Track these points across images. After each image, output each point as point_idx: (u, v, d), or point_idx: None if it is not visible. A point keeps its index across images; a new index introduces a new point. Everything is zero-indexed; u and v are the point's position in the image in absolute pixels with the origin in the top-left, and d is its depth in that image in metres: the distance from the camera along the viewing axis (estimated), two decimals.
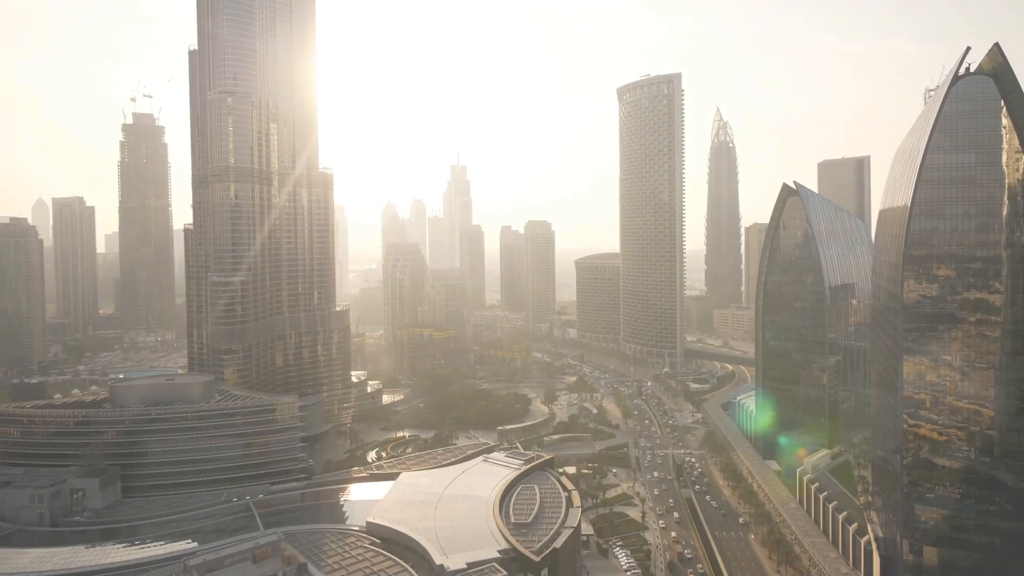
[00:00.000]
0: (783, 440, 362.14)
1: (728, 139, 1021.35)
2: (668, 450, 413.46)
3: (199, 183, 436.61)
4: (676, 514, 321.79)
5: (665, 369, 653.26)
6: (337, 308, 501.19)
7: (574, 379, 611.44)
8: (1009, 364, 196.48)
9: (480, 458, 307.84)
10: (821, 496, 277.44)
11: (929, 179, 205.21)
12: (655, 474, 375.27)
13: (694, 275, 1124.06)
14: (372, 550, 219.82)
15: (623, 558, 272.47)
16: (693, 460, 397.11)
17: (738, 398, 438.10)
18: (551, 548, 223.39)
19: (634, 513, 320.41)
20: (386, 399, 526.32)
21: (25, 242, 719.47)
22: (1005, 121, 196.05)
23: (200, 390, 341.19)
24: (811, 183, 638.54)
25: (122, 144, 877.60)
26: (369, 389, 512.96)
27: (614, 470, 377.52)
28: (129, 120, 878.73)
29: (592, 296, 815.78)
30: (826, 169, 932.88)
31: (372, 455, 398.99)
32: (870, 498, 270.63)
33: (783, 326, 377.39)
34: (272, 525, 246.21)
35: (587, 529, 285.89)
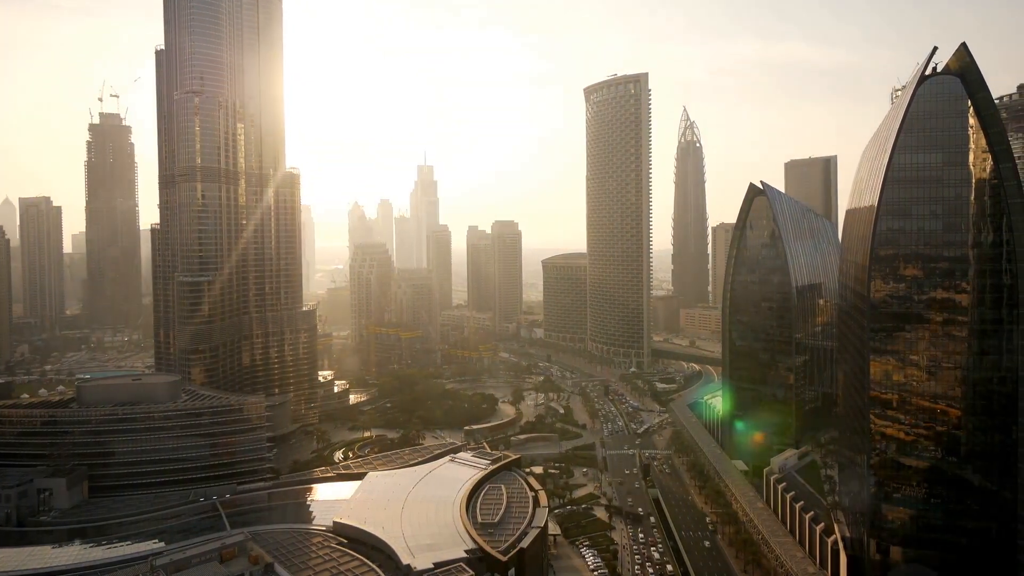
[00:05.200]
0: (750, 440, 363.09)
1: (695, 139, 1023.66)
2: (635, 450, 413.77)
3: (166, 183, 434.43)
4: (640, 510, 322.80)
5: (632, 369, 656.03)
6: (304, 308, 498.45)
7: (541, 379, 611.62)
8: (976, 364, 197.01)
9: (447, 458, 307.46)
10: (788, 496, 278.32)
11: (896, 179, 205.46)
12: (625, 472, 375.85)
13: (661, 275, 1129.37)
14: (339, 550, 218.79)
15: (590, 558, 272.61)
16: (661, 459, 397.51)
17: (705, 398, 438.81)
18: (518, 548, 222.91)
19: (601, 513, 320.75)
20: (353, 399, 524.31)
21: None
22: (972, 121, 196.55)
23: (167, 390, 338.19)
24: (778, 183, 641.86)
25: (89, 144, 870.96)
26: (336, 389, 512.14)
27: (585, 470, 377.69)
28: (96, 120, 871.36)
29: (559, 296, 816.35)
30: (793, 169, 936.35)
31: (339, 455, 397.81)
32: (837, 498, 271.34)
33: (750, 326, 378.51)
34: (239, 525, 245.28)
35: (554, 529, 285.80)
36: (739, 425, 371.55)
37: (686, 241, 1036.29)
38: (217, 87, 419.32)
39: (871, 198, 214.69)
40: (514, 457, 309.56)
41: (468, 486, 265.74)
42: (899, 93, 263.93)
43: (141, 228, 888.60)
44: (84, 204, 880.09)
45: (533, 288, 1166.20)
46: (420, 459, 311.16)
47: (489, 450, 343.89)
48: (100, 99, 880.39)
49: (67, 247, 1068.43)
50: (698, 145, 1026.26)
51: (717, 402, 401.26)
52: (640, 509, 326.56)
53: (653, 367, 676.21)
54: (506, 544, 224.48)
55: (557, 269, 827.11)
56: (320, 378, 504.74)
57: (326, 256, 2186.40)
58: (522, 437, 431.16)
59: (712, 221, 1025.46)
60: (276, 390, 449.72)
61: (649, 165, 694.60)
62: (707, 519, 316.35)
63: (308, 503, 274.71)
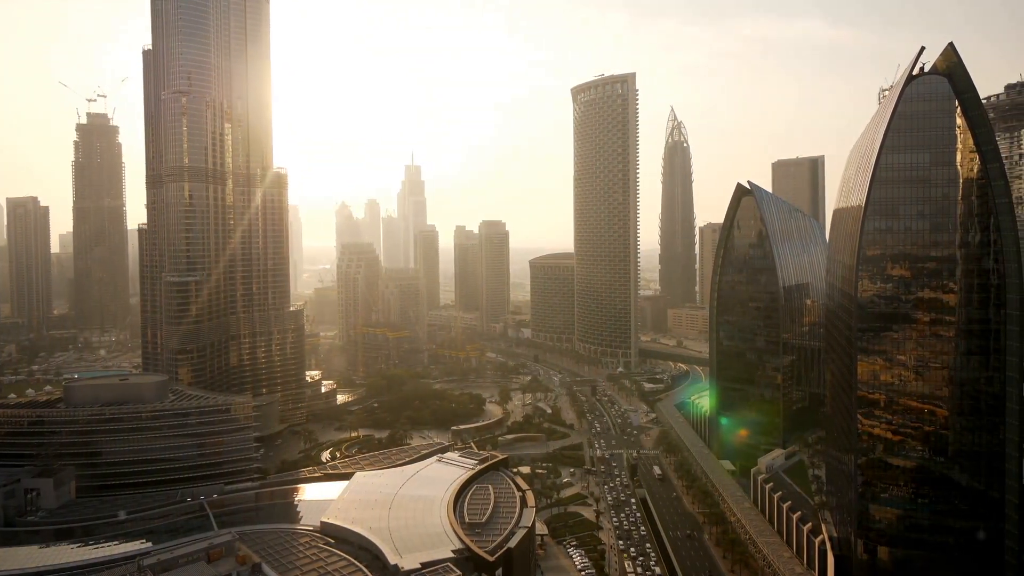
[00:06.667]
0: (737, 440, 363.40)
1: (682, 139, 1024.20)
2: (623, 450, 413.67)
3: (153, 183, 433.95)
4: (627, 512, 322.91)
5: (619, 369, 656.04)
6: (291, 308, 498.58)
7: (528, 379, 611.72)
8: (963, 364, 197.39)
9: (434, 458, 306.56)
10: (775, 496, 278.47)
11: (883, 179, 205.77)
12: (610, 474, 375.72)
13: (648, 275, 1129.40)
14: (326, 550, 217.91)
15: (577, 558, 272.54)
16: (648, 459, 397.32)
17: (692, 398, 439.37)
18: (505, 548, 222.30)
19: (588, 513, 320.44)
20: (340, 399, 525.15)
21: None
22: (959, 121, 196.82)
23: (154, 390, 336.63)
24: (765, 183, 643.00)
25: (76, 144, 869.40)
26: (323, 389, 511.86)
27: (572, 470, 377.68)
28: (83, 120, 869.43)
29: (546, 296, 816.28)
30: (780, 169, 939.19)
31: (326, 455, 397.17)
32: (824, 498, 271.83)
33: (737, 326, 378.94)
34: (226, 525, 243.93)
35: (541, 529, 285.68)
36: (726, 425, 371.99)
37: (673, 241, 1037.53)
38: (204, 87, 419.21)
39: (859, 198, 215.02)
40: (501, 457, 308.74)
41: (455, 486, 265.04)
42: (887, 93, 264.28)
43: (129, 228, 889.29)
44: (72, 204, 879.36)
45: (520, 288, 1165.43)
46: (407, 459, 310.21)
47: (476, 450, 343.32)
48: (91, 99, 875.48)
49: (54, 247, 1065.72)
50: (685, 145, 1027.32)
51: (704, 402, 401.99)
52: (627, 509, 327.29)
53: (640, 367, 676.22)
54: (493, 544, 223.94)
55: (544, 269, 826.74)
56: (307, 378, 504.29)
57: (314, 255, 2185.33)
58: (509, 437, 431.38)
59: (699, 221, 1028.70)
60: (264, 390, 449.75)
61: (636, 165, 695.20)
62: (695, 518, 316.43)
63: (295, 503, 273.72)
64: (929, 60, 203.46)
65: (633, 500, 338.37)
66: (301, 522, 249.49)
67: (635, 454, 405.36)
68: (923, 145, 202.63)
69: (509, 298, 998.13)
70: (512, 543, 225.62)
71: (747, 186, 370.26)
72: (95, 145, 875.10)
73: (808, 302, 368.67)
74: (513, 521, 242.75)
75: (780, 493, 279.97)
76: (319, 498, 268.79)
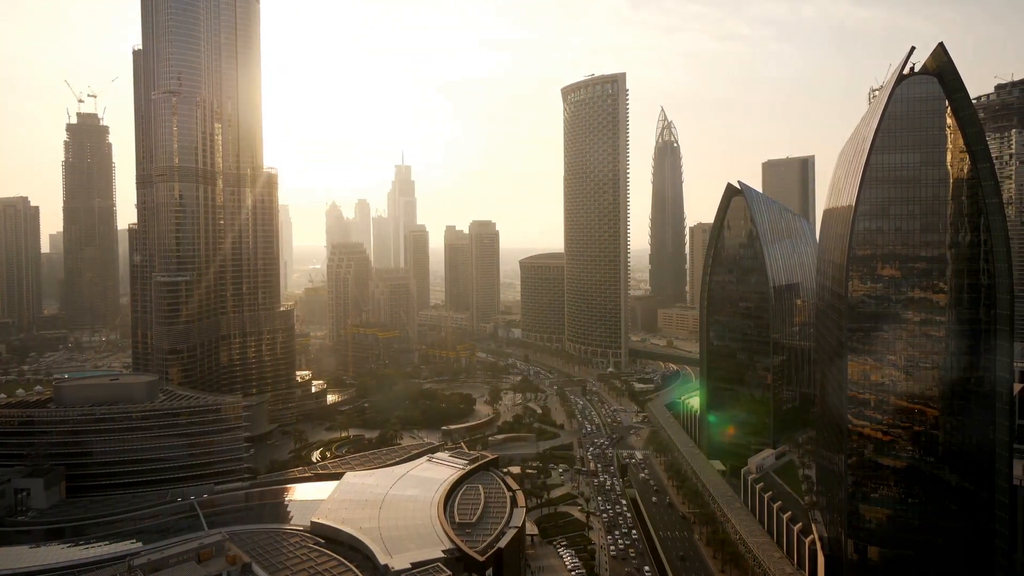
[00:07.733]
0: (727, 440, 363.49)
1: (673, 139, 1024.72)
2: (613, 450, 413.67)
3: (144, 183, 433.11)
4: (620, 512, 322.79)
5: (610, 369, 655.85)
6: (281, 308, 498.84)
7: (518, 379, 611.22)
8: (953, 364, 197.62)
9: (424, 458, 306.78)
10: (766, 496, 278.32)
11: (874, 179, 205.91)
12: (598, 474, 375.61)
13: (638, 275, 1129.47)
14: (316, 550, 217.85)
15: (567, 558, 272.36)
16: (638, 459, 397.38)
17: (682, 398, 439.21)
18: (495, 548, 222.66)
19: (578, 513, 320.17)
20: (330, 399, 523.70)
21: None
22: (949, 121, 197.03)
23: (144, 390, 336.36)
24: (756, 183, 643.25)
25: (66, 144, 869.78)
26: (313, 389, 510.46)
27: (561, 468, 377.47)
28: (74, 120, 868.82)
29: (537, 296, 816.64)
30: (770, 169, 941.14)
31: (316, 455, 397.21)
32: (815, 498, 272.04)
33: (727, 326, 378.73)
34: (216, 525, 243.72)
35: (532, 529, 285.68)
36: (717, 425, 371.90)
37: (664, 241, 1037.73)
38: (194, 87, 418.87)
39: (849, 198, 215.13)
40: (491, 457, 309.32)
41: (446, 486, 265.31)
42: (877, 93, 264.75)
43: (119, 228, 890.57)
44: (62, 204, 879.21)
45: (511, 288, 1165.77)
46: (397, 459, 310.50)
47: (466, 450, 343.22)
48: (82, 100, 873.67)
49: (45, 247, 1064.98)
50: (676, 145, 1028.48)
51: (695, 402, 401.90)
52: (617, 509, 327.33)
53: (631, 367, 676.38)
54: (484, 544, 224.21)
55: (535, 269, 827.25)
56: (298, 378, 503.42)
57: (304, 255, 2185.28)
58: (499, 437, 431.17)
59: (690, 221, 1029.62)
60: (254, 390, 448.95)
61: (627, 165, 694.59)
62: (685, 518, 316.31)
63: (286, 503, 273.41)
64: (919, 60, 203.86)
65: (623, 500, 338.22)
66: (291, 522, 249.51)
67: (625, 454, 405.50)
68: (913, 145, 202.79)
69: (499, 298, 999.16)
70: (502, 543, 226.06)
71: (737, 186, 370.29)
72: (85, 145, 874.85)
73: (798, 302, 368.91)
74: (503, 521, 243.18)
75: (770, 493, 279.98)
76: (309, 498, 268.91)
